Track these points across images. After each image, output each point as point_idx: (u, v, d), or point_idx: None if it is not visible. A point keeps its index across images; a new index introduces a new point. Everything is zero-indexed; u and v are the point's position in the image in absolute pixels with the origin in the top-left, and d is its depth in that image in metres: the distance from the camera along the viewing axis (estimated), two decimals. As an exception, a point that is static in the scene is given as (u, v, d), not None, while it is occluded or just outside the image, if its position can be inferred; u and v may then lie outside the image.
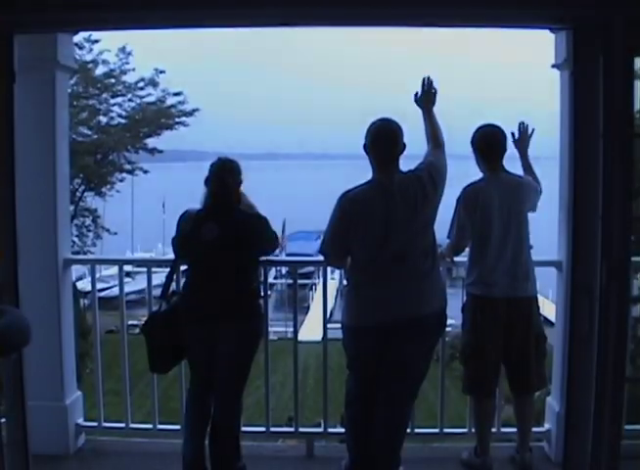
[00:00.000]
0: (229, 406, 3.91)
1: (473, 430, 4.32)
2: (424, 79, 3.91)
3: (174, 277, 4.11)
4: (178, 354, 3.98)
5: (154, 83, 19.94)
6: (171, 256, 4.10)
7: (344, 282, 3.92)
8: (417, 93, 3.92)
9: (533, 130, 4.25)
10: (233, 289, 3.83)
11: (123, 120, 20.10)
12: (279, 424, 4.99)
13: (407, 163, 3.68)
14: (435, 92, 3.91)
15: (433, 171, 3.64)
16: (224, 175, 3.84)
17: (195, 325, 3.86)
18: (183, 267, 4.17)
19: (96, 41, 18.32)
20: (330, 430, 4.59)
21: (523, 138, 4.24)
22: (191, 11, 3.42)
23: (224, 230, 3.77)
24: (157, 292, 4.15)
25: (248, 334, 3.89)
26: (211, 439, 3.89)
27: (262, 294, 4.18)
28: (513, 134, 4.22)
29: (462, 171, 4.47)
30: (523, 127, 4.25)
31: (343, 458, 3.96)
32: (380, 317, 3.60)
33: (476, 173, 4.14)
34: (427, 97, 3.90)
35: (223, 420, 3.90)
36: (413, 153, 3.84)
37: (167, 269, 4.14)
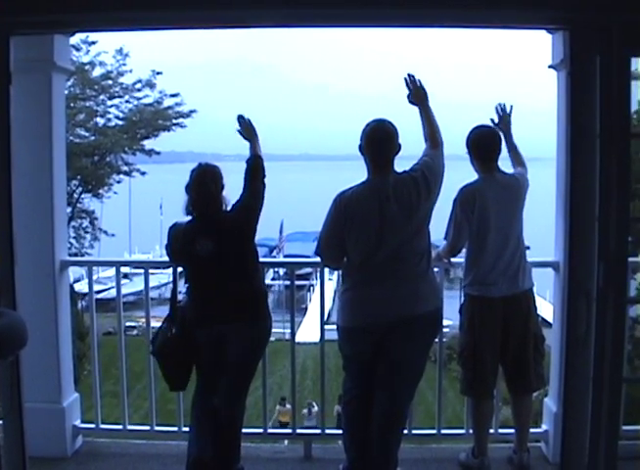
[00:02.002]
0: (232, 407, 3.91)
1: (470, 431, 4.32)
2: (405, 79, 3.88)
3: (176, 294, 4.05)
4: (192, 368, 3.97)
5: (151, 85, 19.99)
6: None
7: (340, 283, 3.92)
8: (409, 94, 3.90)
9: (512, 107, 4.24)
10: (238, 293, 3.82)
11: (120, 122, 20.17)
12: (277, 426, 4.97)
13: (403, 163, 3.68)
14: (422, 85, 3.86)
15: (427, 172, 3.63)
16: (206, 182, 3.79)
17: (202, 327, 3.86)
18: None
19: (93, 43, 18.43)
20: (328, 431, 4.59)
21: (504, 118, 4.22)
22: (189, 12, 3.41)
23: (217, 242, 3.75)
24: (154, 293, 4.14)
25: (255, 335, 3.90)
26: (214, 439, 3.89)
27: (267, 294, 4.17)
28: (492, 120, 4.21)
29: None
30: (501, 108, 4.23)
31: (341, 460, 3.96)
32: (374, 318, 3.60)
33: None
34: (416, 93, 3.87)
35: (226, 420, 3.89)
36: (410, 154, 3.85)
37: (165, 271, 4.12)
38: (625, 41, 3.07)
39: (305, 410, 14.25)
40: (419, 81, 3.87)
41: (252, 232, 3.85)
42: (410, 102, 3.89)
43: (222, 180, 3.86)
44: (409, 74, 3.88)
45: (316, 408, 13.50)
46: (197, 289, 3.91)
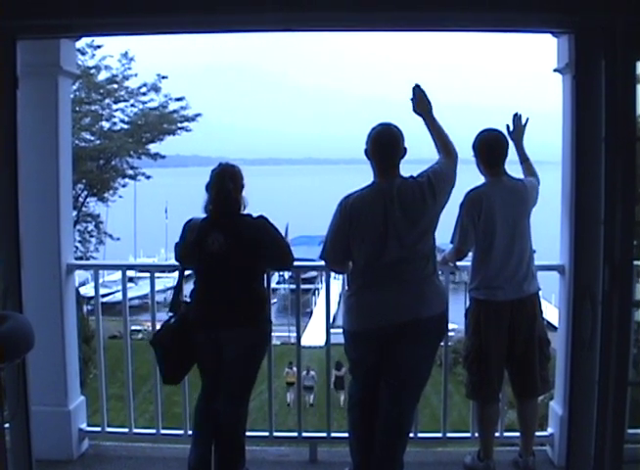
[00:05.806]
0: (235, 411, 3.91)
1: (476, 434, 4.31)
2: (413, 88, 3.86)
3: (181, 286, 4.05)
4: (189, 364, 3.98)
5: (156, 89, 20.02)
6: (174, 261, 4.08)
7: (346, 287, 3.91)
8: (413, 105, 3.89)
9: (528, 119, 4.23)
10: (241, 296, 3.83)
11: (126, 126, 20.20)
12: (282, 429, 4.98)
13: (409, 167, 3.68)
14: (426, 96, 3.84)
15: (433, 178, 3.61)
16: (225, 181, 3.81)
17: (204, 331, 3.86)
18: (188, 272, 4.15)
19: (98, 47, 18.46)
20: (333, 435, 4.58)
21: (518, 128, 4.22)
22: (193, 16, 3.42)
23: (230, 239, 3.76)
24: (159, 297, 4.15)
25: (255, 339, 3.90)
26: (216, 443, 3.89)
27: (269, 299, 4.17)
28: (508, 126, 4.20)
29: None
30: (517, 118, 4.23)
31: (347, 463, 3.96)
32: (380, 321, 3.59)
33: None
34: (420, 103, 3.86)
35: (229, 425, 3.89)
36: (416, 157, 3.85)
37: (170, 274, 4.13)
38: (631, 44, 3.08)
39: (304, 372, 15.39)
40: (424, 92, 3.85)
41: (265, 243, 3.81)
42: (415, 112, 3.89)
43: (242, 180, 3.89)
44: (417, 85, 3.87)
45: (313, 372, 16.39)
46: (200, 290, 3.92)
